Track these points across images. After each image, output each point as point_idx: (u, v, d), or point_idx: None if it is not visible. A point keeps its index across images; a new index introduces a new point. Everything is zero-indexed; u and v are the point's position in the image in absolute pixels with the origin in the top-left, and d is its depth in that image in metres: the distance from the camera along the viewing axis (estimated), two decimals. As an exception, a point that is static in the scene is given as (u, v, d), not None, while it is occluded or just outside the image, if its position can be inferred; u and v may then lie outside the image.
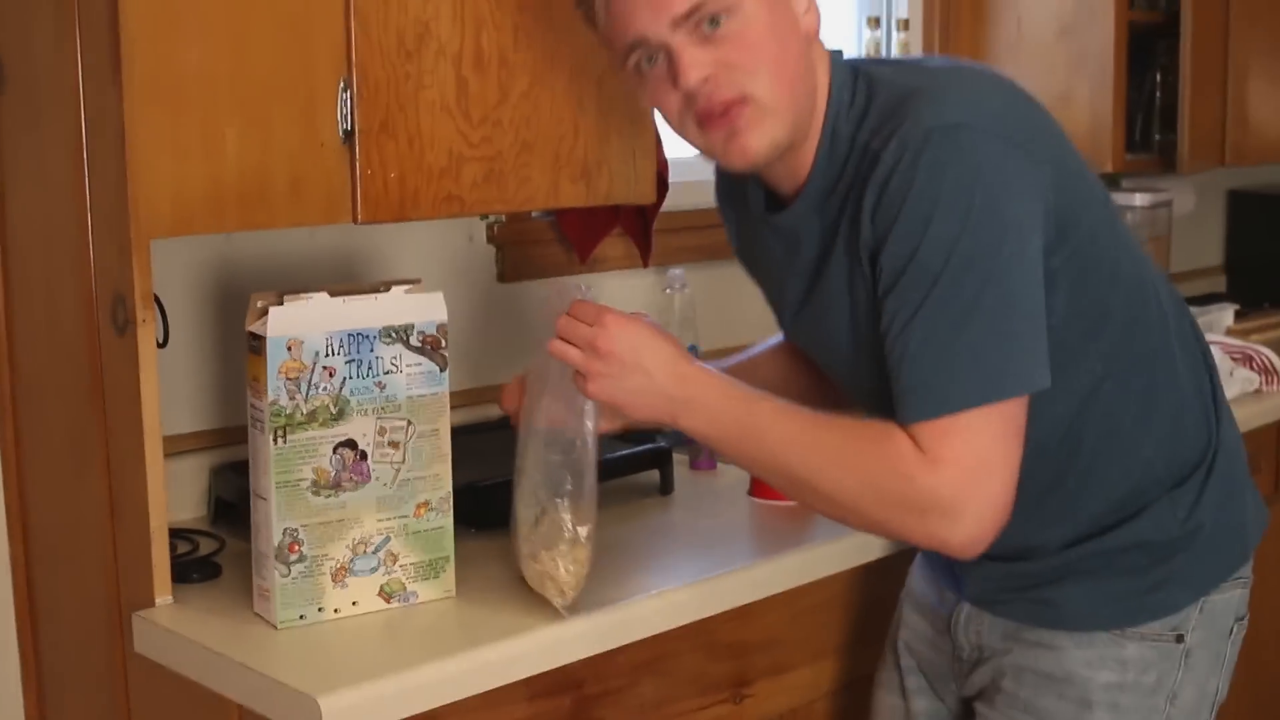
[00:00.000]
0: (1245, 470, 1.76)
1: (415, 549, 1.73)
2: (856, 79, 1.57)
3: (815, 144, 1.56)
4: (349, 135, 1.78)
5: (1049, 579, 1.67)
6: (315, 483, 1.66)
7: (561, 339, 1.54)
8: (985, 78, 1.59)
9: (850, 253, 1.53)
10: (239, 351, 1.95)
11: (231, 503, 2.04)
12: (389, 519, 1.71)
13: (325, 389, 1.65)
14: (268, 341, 1.62)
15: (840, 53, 1.62)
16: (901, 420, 1.44)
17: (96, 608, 1.84)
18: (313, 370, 1.64)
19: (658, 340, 1.55)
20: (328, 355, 1.65)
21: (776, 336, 1.93)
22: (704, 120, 1.49)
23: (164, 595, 1.73)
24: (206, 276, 2.07)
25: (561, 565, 1.61)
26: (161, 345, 1.81)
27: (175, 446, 1.99)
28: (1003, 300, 1.42)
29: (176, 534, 1.88)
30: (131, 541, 1.74)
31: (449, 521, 1.76)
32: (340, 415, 1.67)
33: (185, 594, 1.77)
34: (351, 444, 1.68)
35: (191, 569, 1.83)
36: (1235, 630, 1.73)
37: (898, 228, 1.43)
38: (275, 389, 1.62)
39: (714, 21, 1.45)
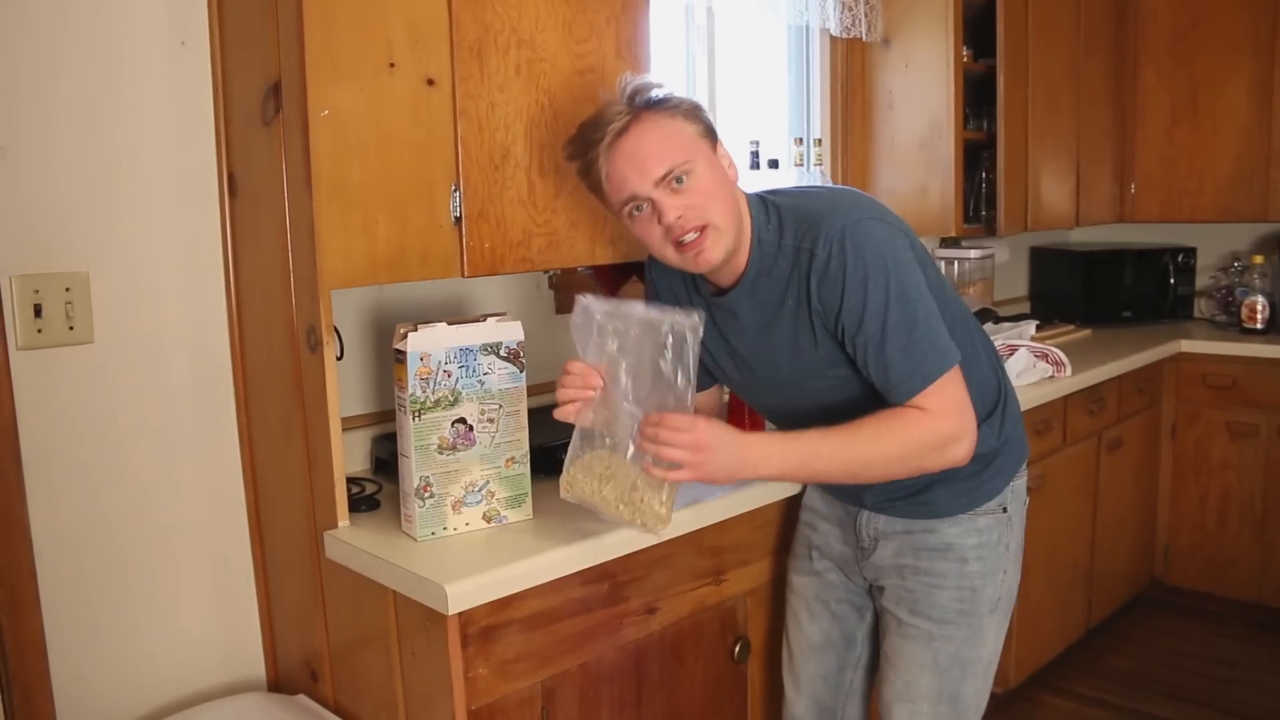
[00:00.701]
0: (1018, 406, 1.81)
1: (505, 488, 1.73)
2: (767, 206, 1.62)
3: (746, 251, 1.61)
4: (458, 220, 1.78)
5: (923, 487, 1.70)
6: (440, 446, 1.66)
7: (662, 442, 1.48)
8: (859, 194, 1.65)
9: (796, 317, 1.59)
10: (389, 361, 1.96)
11: (385, 460, 2.04)
12: (488, 469, 1.71)
13: (445, 385, 1.65)
14: (408, 355, 1.62)
15: (750, 192, 1.67)
16: (902, 400, 1.53)
17: (300, 529, 1.84)
18: (437, 373, 1.64)
19: (725, 429, 1.52)
20: (447, 363, 1.65)
21: None
22: (678, 245, 1.55)
23: (344, 520, 1.74)
24: (368, 313, 2.07)
25: (659, 502, 1.57)
26: (339, 358, 1.81)
27: (349, 424, 1.98)
28: (927, 311, 1.53)
29: (351, 480, 1.88)
30: (322, 485, 1.74)
31: (528, 469, 1.76)
32: (455, 401, 1.67)
33: (357, 520, 1.77)
34: (463, 420, 1.68)
35: (360, 503, 1.83)
36: (1025, 502, 1.81)
37: (848, 294, 1.51)
38: (413, 385, 1.63)
39: (679, 180, 1.52)
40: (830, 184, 1.70)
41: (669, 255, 1.58)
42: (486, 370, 1.68)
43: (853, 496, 1.79)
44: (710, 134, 1.59)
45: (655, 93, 1.56)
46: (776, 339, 1.63)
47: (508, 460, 1.72)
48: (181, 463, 1.90)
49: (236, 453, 1.96)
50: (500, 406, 1.70)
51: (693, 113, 1.57)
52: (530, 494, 1.76)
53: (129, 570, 1.85)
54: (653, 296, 1.79)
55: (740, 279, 1.62)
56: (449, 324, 1.66)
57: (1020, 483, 1.78)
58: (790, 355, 1.63)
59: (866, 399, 1.59)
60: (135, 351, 1.84)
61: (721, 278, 1.65)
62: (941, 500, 1.70)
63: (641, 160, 1.52)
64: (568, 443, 1.93)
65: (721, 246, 1.56)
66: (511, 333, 1.71)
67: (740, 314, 1.66)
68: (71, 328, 1.76)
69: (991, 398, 1.72)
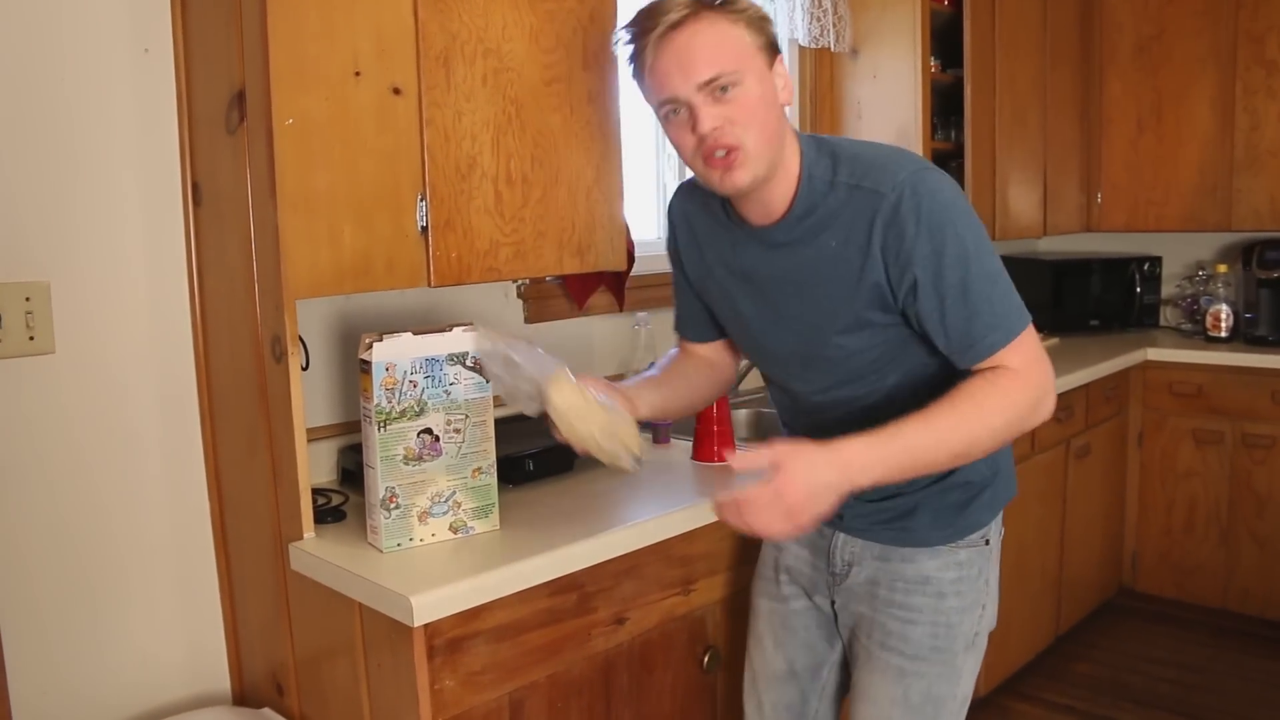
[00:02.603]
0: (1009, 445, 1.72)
1: (472, 499, 1.72)
2: (820, 145, 1.52)
3: (790, 185, 1.50)
4: (425, 230, 1.78)
5: (905, 513, 1.61)
6: (405, 457, 1.65)
7: (753, 525, 1.35)
8: (910, 151, 1.55)
9: (838, 260, 1.48)
10: (355, 371, 1.95)
11: (352, 470, 2.02)
12: (454, 479, 1.70)
13: (411, 395, 1.64)
14: (373, 365, 1.61)
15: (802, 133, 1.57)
16: (983, 355, 1.42)
17: (265, 541, 1.83)
18: (402, 383, 1.63)
19: (805, 465, 1.34)
20: (412, 373, 1.64)
21: (665, 357, 1.84)
22: (708, 159, 1.44)
23: (309, 532, 1.72)
24: (333, 323, 2.06)
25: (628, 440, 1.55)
26: (305, 368, 1.80)
27: (315, 434, 1.98)
28: (1001, 269, 1.44)
29: (316, 491, 1.87)
30: (287, 497, 1.73)
31: (494, 480, 1.74)
32: (421, 412, 1.66)
33: (323, 531, 1.76)
34: (429, 430, 1.67)
35: (326, 514, 1.81)
36: (1003, 533, 1.72)
37: (922, 239, 1.41)
38: (379, 396, 1.62)
39: (724, 89, 1.41)
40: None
41: (698, 166, 1.48)
42: (453, 380, 1.67)
43: (829, 520, 1.65)
44: (772, 48, 1.46)
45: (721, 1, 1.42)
46: (808, 279, 1.52)
47: (474, 471, 1.72)
48: (145, 474, 1.89)
49: (201, 464, 1.95)
50: (466, 417, 1.69)
51: (757, 22, 1.45)
52: (497, 504, 1.75)
53: (91, 583, 1.83)
54: (671, 238, 1.74)
55: (787, 213, 1.51)
56: (414, 334, 1.65)
57: (999, 518, 1.69)
58: (815, 303, 1.53)
59: (863, 374, 1.54)
60: (98, 362, 1.82)
61: (753, 212, 1.54)
62: (923, 529, 1.61)
63: (690, 60, 1.40)
64: (534, 453, 1.94)
65: (749, 171, 1.44)
66: (478, 342, 1.70)
67: (779, 251, 1.54)
68: (32, 338, 1.74)
69: None
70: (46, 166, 1.74)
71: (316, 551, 1.67)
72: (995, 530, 1.67)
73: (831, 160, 1.49)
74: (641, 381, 1.74)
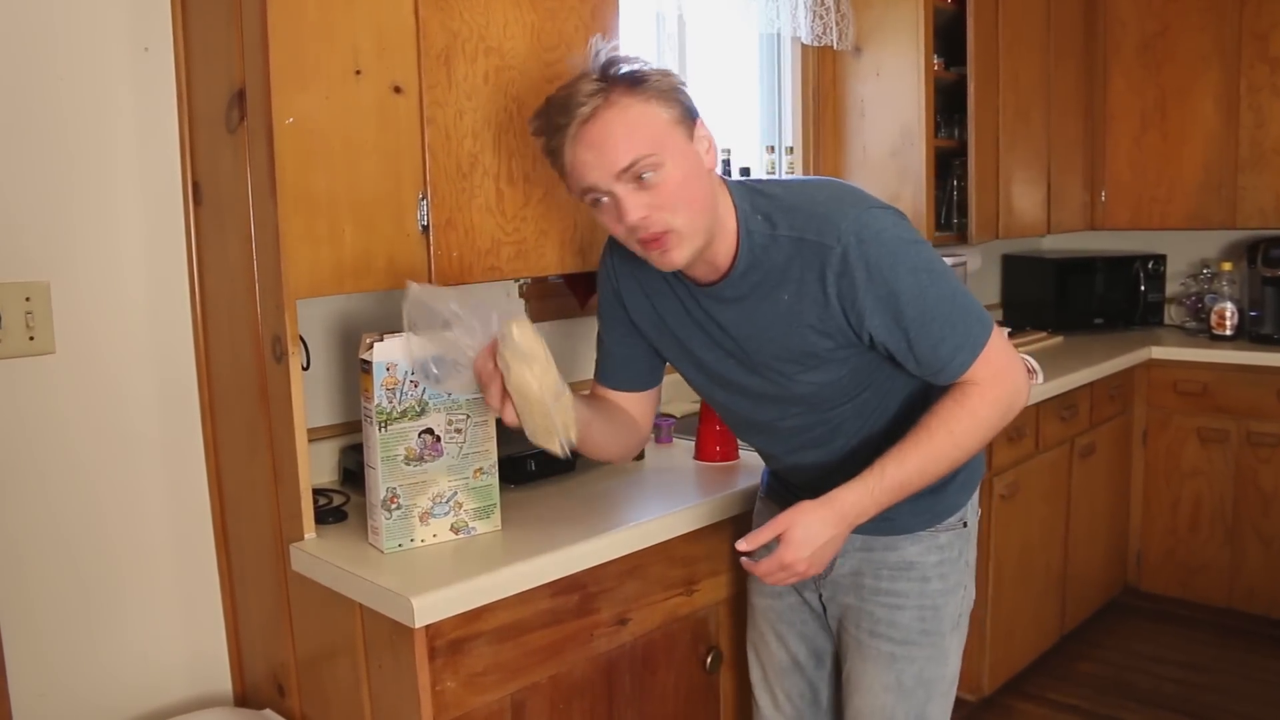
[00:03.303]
0: None
1: (473, 499, 1.71)
2: (753, 196, 1.51)
3: (730, 243, 1.49)
4: (426, 229, 1.77)
5: None
6: (406, 457, 1.64)
7: (763, 575, 1.50)
8: (846, 185, 1.54)
9: (792, 311, 1.48)
10: (356, 371, 1.95)
11: (353, 470, 2.01)
12: (456, 480, 1.69)
13: (412, 395, 1.64)
14: (374, 365, 1.60)
15: (729, 178, 1.57)
16: (956, 374, 1.46)
17: (266, 541, 1.82)
18: (403, 383, 1.62)
19: (803, 530, 1.46)
20: (411, 373, 1.63)
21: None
22: (643, 243, 1.44)
23: (310, 532, 1.72)
24: (334, 322, 2.05)
25: (567, 417, 1.48)
26: (305, 368, 1.79)
27: (316, 434, 1.97)
28: (957, 282, 1.48)
29: (317, 492, 1.86)
30: (288, 497, 1.72)
31: (496, 480, 1.74)
32: (422, 412, 1.65)
33: (324, 531, 1.75)
34: (430, 431, 1.66)
35: (327, 515, 1.80)
36: (979, 513, 1.76)
37: (876, 284, 1.42)
38: (379, 396, 1.61)
39: (643, 175, 1.39)
40: (808, 178, 1.58)
41: (634, 247, 1.47)
42: None
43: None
44: (688, 116, 1.45)
45: (628, 68, 1.41)
46: (765, 330, 1.53)
47: (475, 471, 1.71)
48: (146, 475, 1.88)
49: (202, 464, 1.94)
50: (468, 417, 1.69)
51: (670, 94, 1.42)
52: (499, 505, 1.74)
53: (91, 584, 1.83)
54: (606, 281, 1.69)
55: (729, 272, 1.51)
56: (414, 335, 1.63)
57: (974, 499, 1.73)
58: (778, 349, 1.53)
59: (831, 403, 1.57)
60: (98, 362, 1.82)
61: (698, 272, 1.54)
62: (903, 516, 1.62)
63: (606, 150, 1.39)
64: (536, 453, 1.93)
65: (684, 251, 1.44)
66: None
67: (729, 305, 1.55)
68: (32, 338, 1.73)
69: None
70: (46, 166, 1.74)
71: (317, 552, 1.66)
72: (972, 511, 1.71)
73: (768, 212, 1.49)
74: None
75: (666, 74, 1.44)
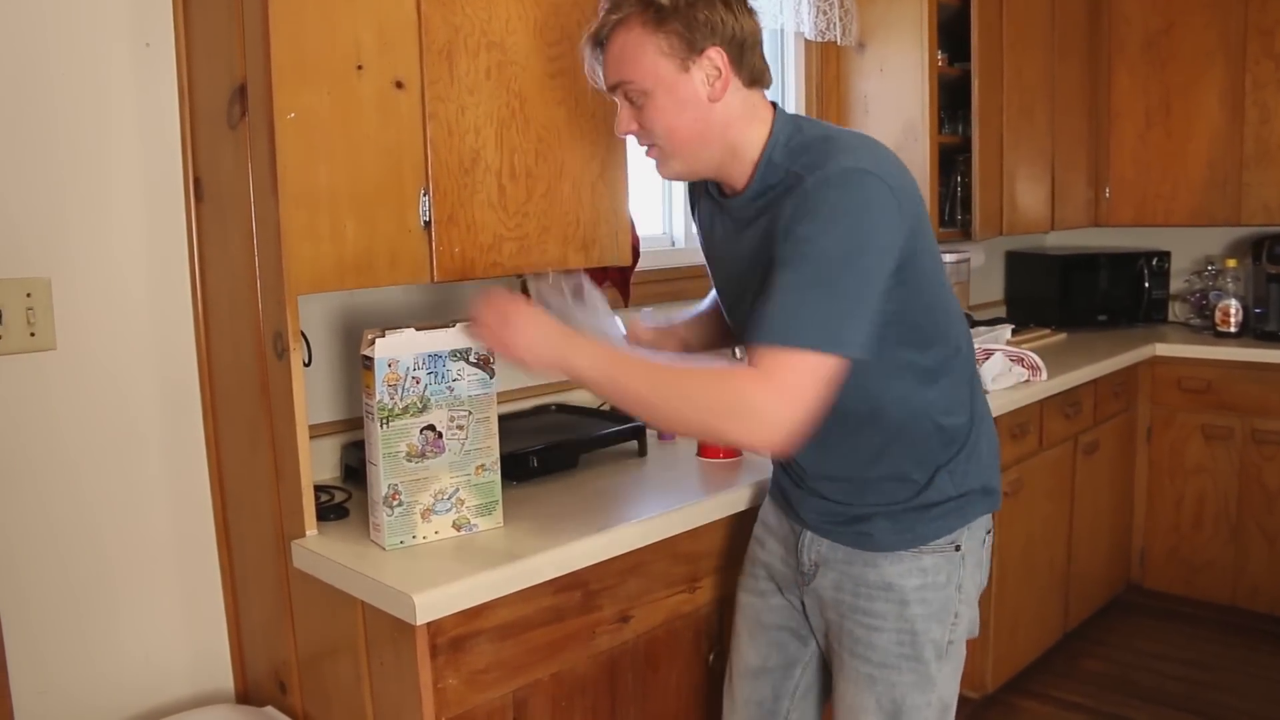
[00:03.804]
0: (994, 452, 1.68)
1: (475, 495, 1.71)
2: (795, 128, 1.51)
3: (751, 165, 1.51)
4: (428, 225, 1.76)
5: (862, 518, 1.59)
6: (408, 454, 1.64)
7: (476, 319, 1.57)
8: (885, 148, 1.48)
9: (765, 235, 1.46)
10: (357, 367, 1.94)
11: (355, 467, 2.01)
12: (458, 476, 1.69)
13: (414, 391, 1.63)
14: (375, 361, 1.59)
15: (783, 111, 1.55)
16: (755, 338, 1.35)
17: (268, 538, 1.81)
18: (405, 379, 1.62)
19: (537, 318, 1.52)
20: (415, 369, 1.62)
21: (702, 304, 1.94)
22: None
23: (311, 529, 1.71)
24: (336, 318, 2.04)
25: None
26: (307, 364, 1.78)
27: (318, 431, 1.96)
28: (854, 291, 1.35)
29: (319, 488, 1.86)
30: (290, 494, 1.72)
31: (498, 477, 1.73)
32: (424, 408, 1.64)
33: (325, 528, 1.75)
34: (432, 427, 1.65)
35: (329, 512, 1.80)
36: (986, 539, 1.66)
37: (806, 222, 1.35)
38: (381, 392, 1.60)
39: (631, 99, 1.51)
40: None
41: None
42: (456, 376, 1.66)
43: (796, 515, 1.69)
44: (689, 49, 1.46)
45: None
46: (746, 253, 1.53)
47: (478, 468, 1.70)
48: (147, 471, 1.87)
49: (203, 461, 1.94)
50: (470, 413, 1.68)
51: (667, 21, 1.45)
52: (500, 501, 1.74)
53: (93, 580, 1.82)
54: (691, 196, 1.77)
55: (745, 189, 1.53)
56: (417, 329, 1.63)
57: (980, 520, 1.63)
58: (751, 270, 1.51)
59: None
60: (99, 358, 1.81)
61: (727, 186, 1.58)
62: (882, 533, 1.58)
63: (604, 68, 1.54)
64: (539, 449, 1.93)
65: (671, 169, 1.56)
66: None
67: (738, 225, 1.56)
68: (33, 334, 1.73)
69: (953, 438, 1.59)
70: (47, 162, 1.73)
71: (319, 549, 1.66)
72: (971, 537, 1.61)
73: (798, 144, 1.48)
74: (691, 317, 1.93)
75: (700, 1, 1.46)
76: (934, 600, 1.58)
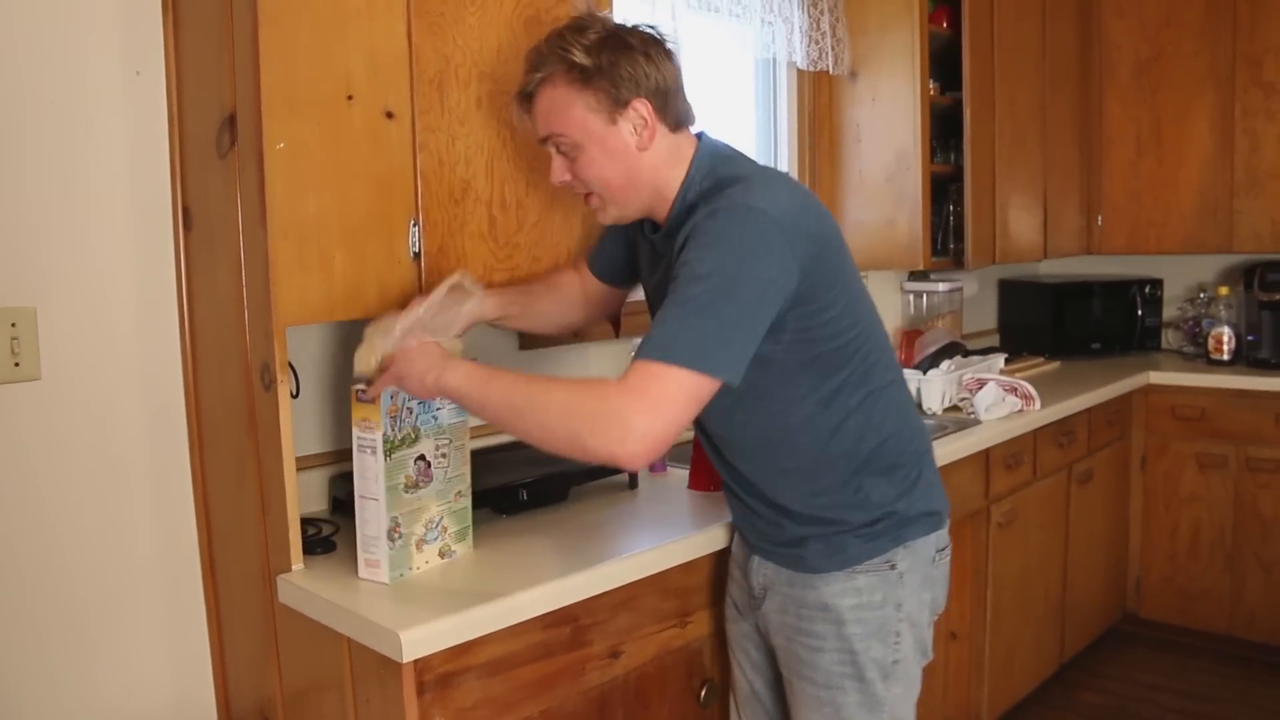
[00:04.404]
0: (935, 475, 1.71)
1: (454, 522, 1.72)
2: (711, 168, 1.57)
3: (670, 203, 1.58)
4: (417, 256, 1.76)
5: (796, 541, 1.64)
6: (405, 485, 1.64)
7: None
8: (791, 186, 1.54)
9: (672, 263, 1.49)
10: (349, 398, 1.92)
11: (342, 499, 1.99)
12: (442, 504, 1.70)
13: (408, 422, 1.63)
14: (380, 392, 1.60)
15: (708, 143, 1.62)
16: (633, 356, 1.38)
17: (253, 571, 1.79)
18: (402, 410, 1.62)
19: (428, 345, 1.57)
20: (409, 399, 1.63)
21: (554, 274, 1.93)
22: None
23: (298, 563, 1.70)
24: (324, 349, 2.03)
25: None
26: (295, 396, 1.78)
27: (306, 463, 1.95)
28: (730, 316, 1.37)
29: (306, 521, 1.84)
30: (276, 527, 1.70)
31: (469, 502, 1.76)
32: (416, 438, 1.65)
33: (312, 562, 1.73)
34: (423, 457, 1.66)
35: (316, 545, 1.78)
36: (938, 559, 1.68)
37: (694, 247, 1.41)
38: (385, 424, 1.60)
39: (561, 150, 1.58)
40: (782, 172, 1.62)
41: None
42: (439, 404, 1.67)
43: (748, 540, 1.76)
44: (615, 103, 1.52)
45: (577, 47, 1.51)
46: (662, 285, 1.53)
47: (456, 494, 1.72)
48: (132, 503, 1.85)
49: (189, 493, 1.92)
50: (450, 441, 1.70)
51: (604, 81, 1.51)
52: (471, 526, 1.76)
53: (77, 613, 1.80)
54: None
55: (663, 226, 1.62)
56: None
57: (923, 540, 1.64)
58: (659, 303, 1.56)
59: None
60: (85, 389, 1.79)
61: (653, 220, 1.66)
62: (814, 555, 1.62)
63: (535, 121, 1.60)
64: (528, 482, 1.92)
65: (609, 215, 1.62)
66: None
67: (655, 256, 1.66)
68: (17, 364, 1.71)
69: (878, 461, 1.61)
70: (35, 189, 1.72)
71: (305, 584, 1.64)
72: (911, 556, 1.63)
73: (709, 184, 1.55)
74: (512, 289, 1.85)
75: (616, 54, 1.52)
76: (871, 620, 1.61)
